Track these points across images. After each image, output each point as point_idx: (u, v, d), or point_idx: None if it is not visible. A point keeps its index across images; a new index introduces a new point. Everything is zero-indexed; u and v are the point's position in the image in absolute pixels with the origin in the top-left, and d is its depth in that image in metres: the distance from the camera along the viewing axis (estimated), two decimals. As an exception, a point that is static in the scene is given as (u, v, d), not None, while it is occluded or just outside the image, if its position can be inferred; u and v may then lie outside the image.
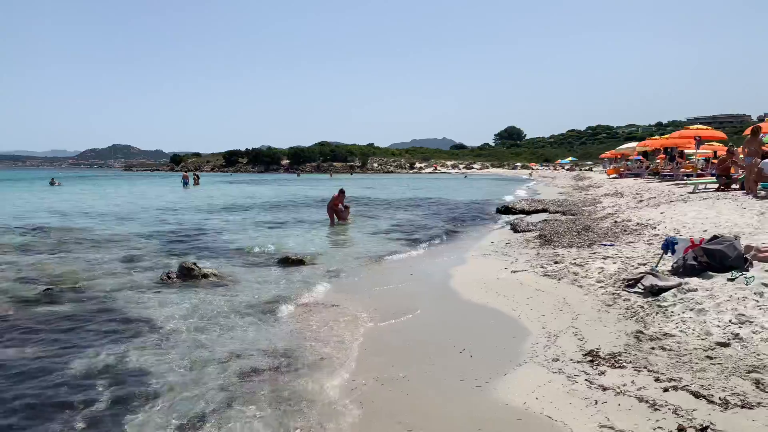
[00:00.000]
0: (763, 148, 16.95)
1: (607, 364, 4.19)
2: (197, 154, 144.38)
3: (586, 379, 3.98)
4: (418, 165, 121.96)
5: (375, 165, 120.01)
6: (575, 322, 5.33)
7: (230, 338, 5.47)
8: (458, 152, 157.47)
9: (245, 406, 3.94)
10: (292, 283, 7.96)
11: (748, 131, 16.05)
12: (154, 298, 7.08)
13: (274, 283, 8.02)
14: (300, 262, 9.44)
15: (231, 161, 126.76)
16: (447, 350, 4.98)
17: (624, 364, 4.15)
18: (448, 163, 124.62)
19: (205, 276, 8.14)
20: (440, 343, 5.23)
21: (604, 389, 3.77)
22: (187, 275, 8.08)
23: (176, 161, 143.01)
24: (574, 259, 8.09)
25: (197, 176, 48.02)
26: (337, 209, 16.37)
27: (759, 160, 14.11)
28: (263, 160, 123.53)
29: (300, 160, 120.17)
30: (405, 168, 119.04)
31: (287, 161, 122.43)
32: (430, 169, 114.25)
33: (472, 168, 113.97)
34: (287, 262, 9.46)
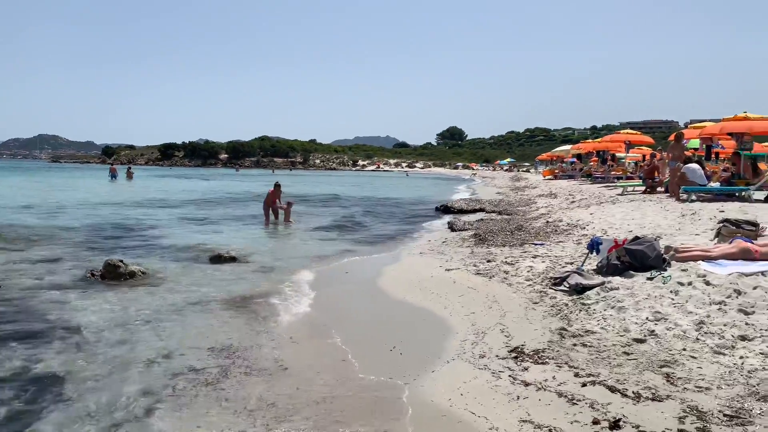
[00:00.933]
0: (685, 153, 17.95)
1: (531, 360, 4.32)
2: (131, 147, 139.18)
3: (510, 375, 4.09)
4: (361, 162, 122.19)
5: (317, 161, 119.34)
6: (503, 319, 5.47)
7: (157, 338, 5.29)
8: (401, 151, 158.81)
9: (170, 411, 3.81)
10: (224, 281, 7.79)
11: (672, 137, 16.96)
12: (75, 297, 6.76)
13: (205, 280, 7.83)
14: (232, 260, 9.26)
15: (167, 155, 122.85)
16: (378, 348, 5.01)
17: (547, 360, 4.30)
18: (391, 161, 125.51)
19: (132, 274, 7.84)
20: (371, 341, 5.25)
21: (527, 385, 3.89)
22: (113, 273, 7.75)
23: (108, 153, 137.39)
24: (506, 258, 8.31)
25: (130, 170, 46.21)
26: (274, 206, 15.58)
27: (681, 164, 14.93)
28: (201, 154, 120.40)
29: (239, 154, 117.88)
30: (348, 165, 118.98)
31: (226, 156, 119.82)
32: (373, 167, 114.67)
33: (415, 167, 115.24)
34: (219, 259, 9.25)
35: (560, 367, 4.13)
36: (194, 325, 5.73)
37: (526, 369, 4.18)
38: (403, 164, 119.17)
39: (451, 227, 13.39)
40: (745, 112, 16.03)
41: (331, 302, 6.89)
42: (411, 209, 21.46)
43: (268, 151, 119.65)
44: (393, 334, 5.39)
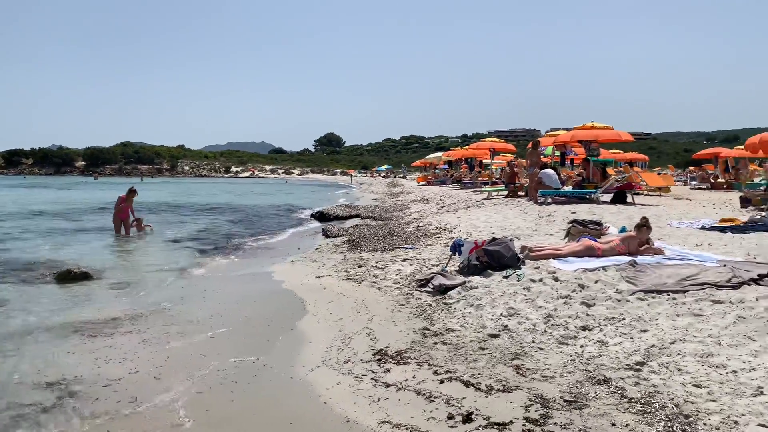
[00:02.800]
0: (542, 159, 19.49)
1: (394, 362, 4.42)
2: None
3: (372, 378, 4.15)
4: (234, 169, 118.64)
5: (186, 168, 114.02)
6: (370, 323, 5.56)
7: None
8: (277, 157, 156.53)
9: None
10: (75, 302, 7.16)
11: (530, 145, 18.32)
12: None
13: (51, 302, 7.13)
14: (84, 277, 8.53)
15: (12, 162, 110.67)
16: (243, 360, 4.86)
17: (408, 360, 4.42)
18: (267, 167, 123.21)
19: (-43, 295, 6.95)
20: (236, 353, 5.09)
21: (388, 386, 3.97)
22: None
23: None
24: (376, 263, 8.47)
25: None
26: (125, 217, 13.93)
27: (538, 170, 16.17)
28: (53, 161, 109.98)
29: (98, 162, 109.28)
30: (220, 172, 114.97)
31: (83, 163, 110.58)
32: (247, 174, 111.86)
33: (292, 173, 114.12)
34: (68, 276, 8.48)
35: (421, 366, 4.27)
36: (33, 356, 5.19)
37: (388, 370, 4.27)
38: (280, 171, 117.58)
39: (326, 234, 13.42)
40: (592, 122, 17.75)
41: (194, 318, 6.58)
42: (286, 217, 21.21)
43: (131, 158, 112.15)
44: (258, 346, 5.25)
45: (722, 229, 9.47)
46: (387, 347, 4.77)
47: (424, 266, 7.77)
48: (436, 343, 4.76)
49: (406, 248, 9.78)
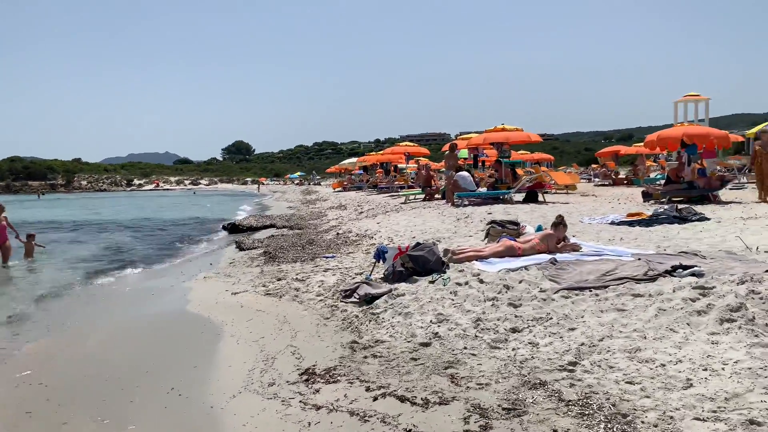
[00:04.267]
0: (459, 162, 19.88)
1: (323, 381, 4.20)
2: None
3: (300, 401, 3.91)
4: (137, 181, 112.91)
5: (84, 183, 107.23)
6: (294, 340, 5.30)
7: None
8: (183, 167, 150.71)
9: None
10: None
11: (446, 147, 18.65)
12: None
13: None
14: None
15: None
16: (154, 390, 4.46)
17: (338, 377, 4.21)
18: (172, 179, 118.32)
19: None
20: (144, 382, 4.66)
21: (318, 408, 3.75)
22: None
23: None
24: (297, 275, 8.18)
25: None
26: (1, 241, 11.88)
27: (454, 173, 16.44)
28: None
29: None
30: (121, 185, 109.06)
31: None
32: (152, 186, 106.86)
33: (200, 184, 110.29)
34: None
35: (352, 383, 4.08)
36: None
37: (317, 391, 4.04)
38: (187, 182, 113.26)
39: (240, 246, 12.90)
40: (502, 124, 18.31)
41: (96, 340, 6.02)
42: (196, 230, 20.31)
43: (20, 174, 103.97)
44: (172, 373, 4.85)
45: (630, 224, 9.96)
46: (314, 365, 4.54)
47: (347, 275, 7.58)
48: (366, 357, 4.58)
49: (327, 257, 9.54)
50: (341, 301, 6.33)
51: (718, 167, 18.57)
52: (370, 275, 6.97)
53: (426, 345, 4.69)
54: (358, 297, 6.20)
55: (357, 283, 6.60)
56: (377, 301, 5.96)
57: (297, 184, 79.81)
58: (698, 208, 11.05)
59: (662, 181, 16.95)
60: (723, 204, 12.84)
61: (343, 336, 5.20)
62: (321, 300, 6.56)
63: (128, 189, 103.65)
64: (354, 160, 44.26)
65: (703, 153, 16.15)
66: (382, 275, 6.86)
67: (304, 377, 4.34)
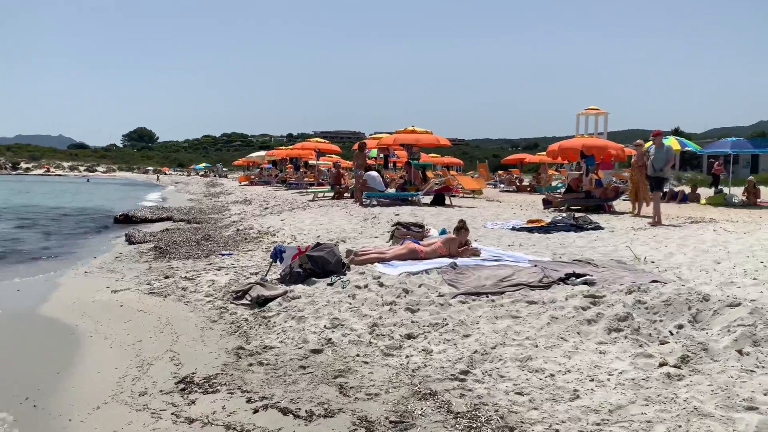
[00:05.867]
0: (369, 162, 19.82)
1: (200, 390, 3.88)
2: None
3: (173, 413, 3.58)
4: (24, 165, 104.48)
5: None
6: (175, 344, 4.92)
7: None
8: (78, 152, 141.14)
9: None
10: None
11: (355, 146, 18.52)
12: None
13: None
14: None
15: None
16: (3, 401, 3.95)
17: (218, 387, 3.91)
18: (65, 164, 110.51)
19: None
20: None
21: (191, 422, 3.44)
22: None
23: None
24: (187, 272, 7.71)
25: None
26: None
27: (363, 172, 16.35)
28: None
29: None
30: (6, 168, 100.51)
31: None
32: (41, 171, 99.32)
33: (96, 171, 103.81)
34: None
35: (232, 393, 3.79)
36: None
37: (193, 402, 3.73)
38: (81, 168, 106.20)
39: (129, 239, 12.08)
40: (413, 126, 18.44)
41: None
42: (86, 221, 18.91)
43: None
44: (28, 383, 4.34)
45: (530, 230, 10.27)
46: (193, 373, 4.21)
47: (241, 275, 7.23)
48: (251, 365, 4.30)
49: (223, 255, 9.11)
50: (232, 303, 5.99)
51: (614, 179, 19.66)
52: (265, 275, 6.67)
53: (317, 352, 4.48)
54: (250, 298, 5.88)
55: (250, 283, 6.27)
56: (270, 304, 5.69)
57: (202, 175, 76.99)
58: (594, 218, 11.60)
59: (562, 190, 17.72)
60: (617, 214, 13.56)
61: (229, 341, 4.89)
62: (210, 301, 6.18)
63: (14, 173, 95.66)
64: (263, 153, 43.18)
65: (600, 164, 17.04)
66: (279, 276, 6.58)
67: (181, 386, 4.00)
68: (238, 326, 5.26)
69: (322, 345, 4.61)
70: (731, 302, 4.54)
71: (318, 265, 6.40)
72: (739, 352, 3.81)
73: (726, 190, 19.04)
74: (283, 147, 42.38)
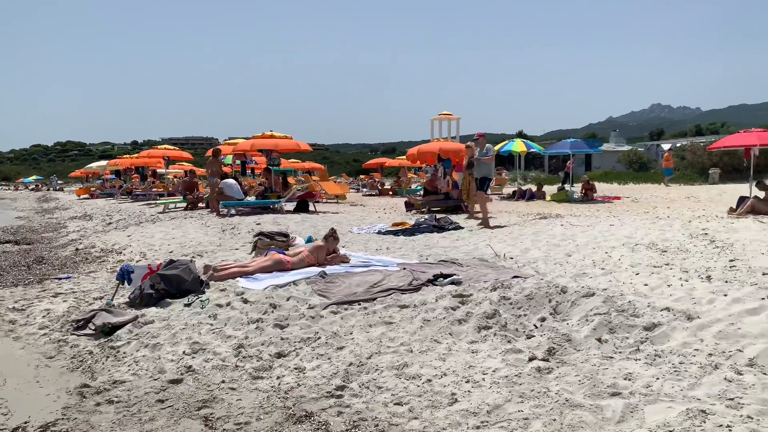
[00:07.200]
0: (224, 169, 19.05)
1: (36, 443, 3.36)
2: None
3: (0, 476, 3.06)
4: None
5: None
6: (2, 390, 4.24)
7: None
8: None
9: None
10: None
11: (210, 152, 17.71)
12: None
13: None
14: None
15: None
16: None
17: (59, 436, 3.42)
18: None
19: None
20: None
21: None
22: None
23: None
24: (15, 302, 6.77)
25: None
26: None
27: (219, 180, 15.67)
28: None
29: None
30: None
31: None
32: None
33: None
34: None
35: (77, 442, 3.33)
36: None
37: (25, 459, 3.22)
38: None
39: (-60, 268, 10.44)
40: (271, 131, 18.03)
41: None
42: None
43: None
44: None
45: (396, 233, 10.43)
46: (26, 423, 3.63)
47: (83, 301, 6.50)
48: (99, 404, 3.82)
49: (60, 279, 8.17)
50: (72, 334, 5.32)
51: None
52: (111, 300, 6.04)
53: (177, 382, 4.09)
54: (94, 327, 5.27)
55: (94, 310, 5.62)
56: (119, 332, 5.14)
57: (32, 189, 69.53)
58: (453, 218, 12.06)
59: (422, 192, 18.31)
60: (473, 214, 14.25)
61: (71, 379, 4.32)
62: (45, 334, 5.45)
63: None
64: (104, 163, 39.94)
65: (456, 167, 17.85)
66: (128, 299, 6.00)
67: (10, 441, 3.45)
68: (81, 360, 4.68)
69: (182, 374, 4.22)
70: (586, 293, 4.88)
71: (172, 284, 5.92)
72: (599, 340, 4.07)
73: (567, 187, 20.84)
74: (128, 156, 39.41)
